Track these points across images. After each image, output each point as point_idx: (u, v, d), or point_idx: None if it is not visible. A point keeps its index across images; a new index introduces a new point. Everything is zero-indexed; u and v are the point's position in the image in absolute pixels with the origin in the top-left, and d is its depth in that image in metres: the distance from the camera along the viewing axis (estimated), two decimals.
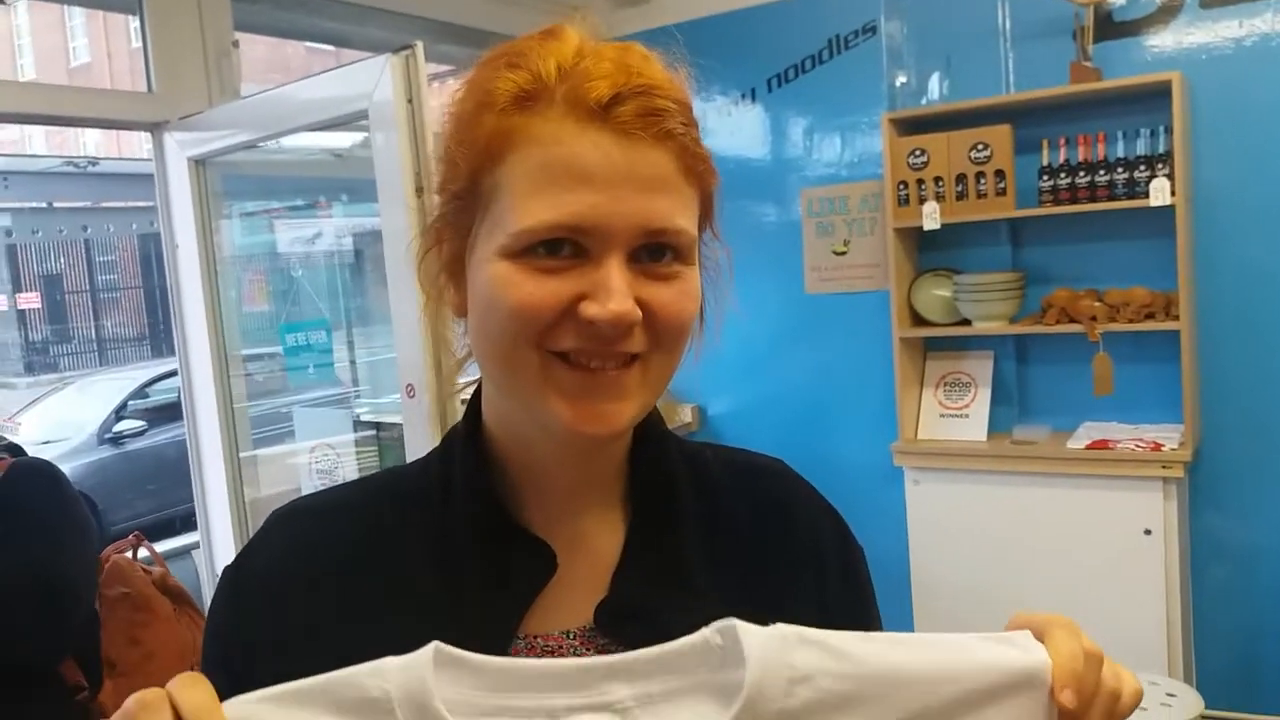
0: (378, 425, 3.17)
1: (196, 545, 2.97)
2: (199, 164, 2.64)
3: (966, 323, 3.24)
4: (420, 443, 2.15)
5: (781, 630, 0.60)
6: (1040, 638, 0.64)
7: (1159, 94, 2.84)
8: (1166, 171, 2.85)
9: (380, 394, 3.06)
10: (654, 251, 0.68)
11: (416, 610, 0.72)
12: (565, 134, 0.66)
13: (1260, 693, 3.03)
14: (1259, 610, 3.03)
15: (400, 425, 2.32)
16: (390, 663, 0.59)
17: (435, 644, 0.60)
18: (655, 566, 0.75)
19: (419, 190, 2.11)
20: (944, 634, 0.63)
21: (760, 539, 0.81)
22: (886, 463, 3.33)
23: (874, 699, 0.59)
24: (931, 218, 3.16)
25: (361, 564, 0.75)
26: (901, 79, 3.35)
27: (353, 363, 3.28)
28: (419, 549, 0.75)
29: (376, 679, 0.59)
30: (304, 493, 1.06)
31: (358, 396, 3.23)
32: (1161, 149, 2.90)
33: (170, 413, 7.33)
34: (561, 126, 0.66)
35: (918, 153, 3.19)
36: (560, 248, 0.66)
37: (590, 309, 0.66)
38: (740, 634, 0.59)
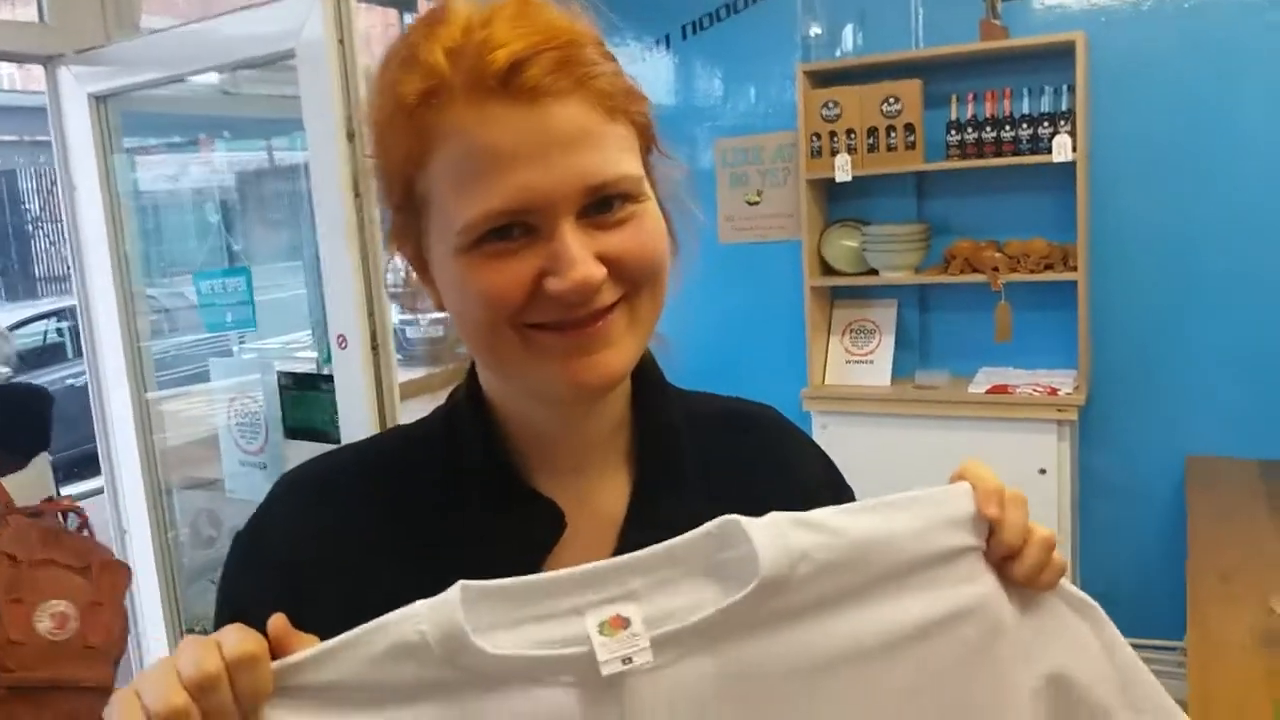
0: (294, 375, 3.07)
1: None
2: (100, 101, 2.50)
3: (874, 272, 3.34)
4: (353, 394, 2.11)
5: (776, 518, 0.67)
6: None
7: (1063, 53, 2.95)
8: (1069, 128, 2.97)
9: (272, 335, 2.94)
10: (602, 203, 0.68)
11: (434, 575, 0.69)
12: (469, 121, 0.65)
13: (1140, 620, 3.24)
14: (1141, 543, 3.25)
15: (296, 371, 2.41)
16: (419, 606, 0.62)
17: (461, 582, 0.62)
18: (660, 522, 0.75)
19: (350, 135, 2.05)
20: (900, 495, 0.70)
21: (758, 487, 0.82)
22: (796, 408, 3.41)
23: (854, 561, 0.67)
24: (844, 169, 3.23)
25: (376, 533, 0.76)
26: (815, 30, 3.39)
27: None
28: (432, 516, 0.76)
29: (411, 623, 0.61)
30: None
31: (242, 341, 3.09)
32: (1064, 106, 3.01)
33: (39, 358, 6.97)
34: (464, 114, 0.65)
35: (830, 105, 3.24)
36: (509, 230, 0.66)
37: (554, 284, 0.66)
38: (745, 526, 0.66)
